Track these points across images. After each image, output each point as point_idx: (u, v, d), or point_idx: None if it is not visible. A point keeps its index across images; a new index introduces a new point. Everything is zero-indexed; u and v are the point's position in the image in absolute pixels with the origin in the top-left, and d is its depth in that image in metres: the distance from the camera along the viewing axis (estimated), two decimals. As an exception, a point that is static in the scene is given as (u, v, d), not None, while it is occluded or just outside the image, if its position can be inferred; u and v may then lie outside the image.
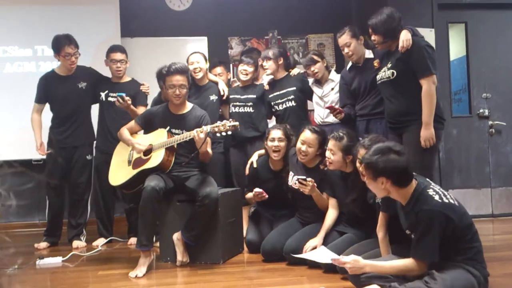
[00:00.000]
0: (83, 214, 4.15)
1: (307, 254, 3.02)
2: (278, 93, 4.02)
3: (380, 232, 2.76)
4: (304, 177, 3.21)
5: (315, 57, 3.85)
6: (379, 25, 3.16)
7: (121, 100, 3.74)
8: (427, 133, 3.02)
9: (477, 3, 4.85)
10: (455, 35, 5.16)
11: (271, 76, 4.13)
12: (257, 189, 3.46)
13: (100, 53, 4.28)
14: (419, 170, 2.65)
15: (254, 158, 3.74)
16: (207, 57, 4.44)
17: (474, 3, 4.85)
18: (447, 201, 2.31)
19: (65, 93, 4.06)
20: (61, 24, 4.66)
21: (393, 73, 3.14)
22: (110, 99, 4.10)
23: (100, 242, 4.07)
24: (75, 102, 4.08)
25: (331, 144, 3.10)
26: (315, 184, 3.20)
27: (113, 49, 4.15)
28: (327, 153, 3.12)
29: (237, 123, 3.14)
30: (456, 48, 5.20)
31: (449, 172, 4.71)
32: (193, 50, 5.26)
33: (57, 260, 3.51)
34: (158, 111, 3.52)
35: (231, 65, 5.46)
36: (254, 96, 4.11)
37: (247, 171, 3.75)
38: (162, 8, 5.45)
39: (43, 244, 4.06)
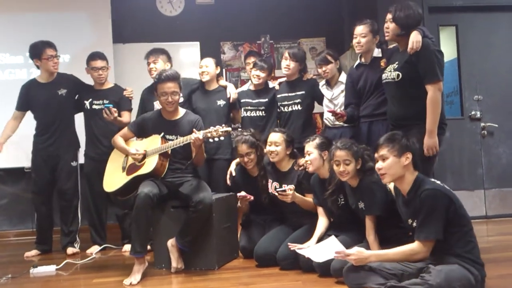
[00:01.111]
0: (74, 221, 4.12)
1: (307, 251, 2.97)
2: (286, 94, 3.98)
3: (370, 236, 2.80)
4: (282, 188, 3.24)
5: (329, 57, 3.78)
6: (402, 17, 3.05)
7: (108, 112, 3.75)
8: (430, 141, 2.96)
9: (467, 6, 4.88)
10: (446, 38, 5.19)
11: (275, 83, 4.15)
12: (240, 193, 3.49)
13: (92, 60, 4.26)
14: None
15: (232, 167, 3.75)
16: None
17: (464, 6, 4.88)
18: (447, 187, 2.46)
19: (45, 99, 4.04)
20: (52, 31, 4.66)
21: (398, 75, 3.07)
22: (94, 106, 4.09)
23: (94, 249, 4.04)
24: (55, 108, 4.05)
25: (306, 147, 3.21)
26: (294, 190, 3.19)
27: (93, 56, 4.12)
28: (306, 157, 3.19)
29: (229, 128, 3.14)
30: (447, 51, 5.22)
31: (442, 174, 4.70)
32: (185, 55, 5.31)
33: (51, 269, 3.48)
34: (151, 117, 3.51)
35: (224, 69, 5.46)
36: (266, 100, 4.04)
37: (228, 182, 3.75)
38: (154, 13, 5.45)
39: (32, 252, 4.05)
